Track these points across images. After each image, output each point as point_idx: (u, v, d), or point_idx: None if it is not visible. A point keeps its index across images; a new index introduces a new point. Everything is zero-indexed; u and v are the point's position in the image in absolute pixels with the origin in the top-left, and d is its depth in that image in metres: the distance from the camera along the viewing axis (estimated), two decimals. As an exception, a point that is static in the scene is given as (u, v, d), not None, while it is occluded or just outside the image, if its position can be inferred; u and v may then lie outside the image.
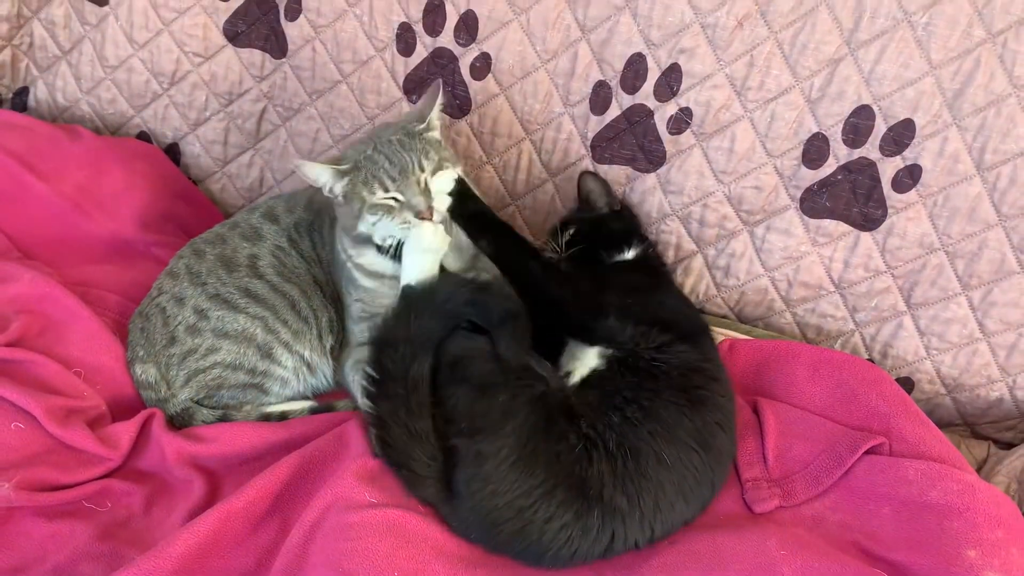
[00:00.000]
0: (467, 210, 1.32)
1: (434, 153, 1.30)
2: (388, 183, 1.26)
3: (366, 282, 1.37)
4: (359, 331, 1.40)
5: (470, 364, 1.15)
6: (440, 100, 1.34)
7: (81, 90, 1.81)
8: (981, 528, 1.11)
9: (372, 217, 1.27)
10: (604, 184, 1.54)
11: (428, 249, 1.26)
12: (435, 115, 1.34)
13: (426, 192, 1.26)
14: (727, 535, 1.14)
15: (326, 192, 1.31)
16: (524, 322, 1.18)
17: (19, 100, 1.85)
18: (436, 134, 1.35)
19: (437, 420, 1.13)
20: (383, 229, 1.28)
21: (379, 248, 1.32)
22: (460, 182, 1.33)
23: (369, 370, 1.17)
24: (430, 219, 1.26)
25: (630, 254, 1.45)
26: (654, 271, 1.46)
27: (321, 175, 1.29)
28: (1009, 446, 1.50)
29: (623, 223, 1.51)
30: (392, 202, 1.27)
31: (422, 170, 1.27)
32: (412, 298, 1.20)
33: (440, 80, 1.37)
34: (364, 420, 1.20)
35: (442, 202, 1.30)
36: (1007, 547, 1.10)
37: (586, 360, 1.24)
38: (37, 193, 1.59)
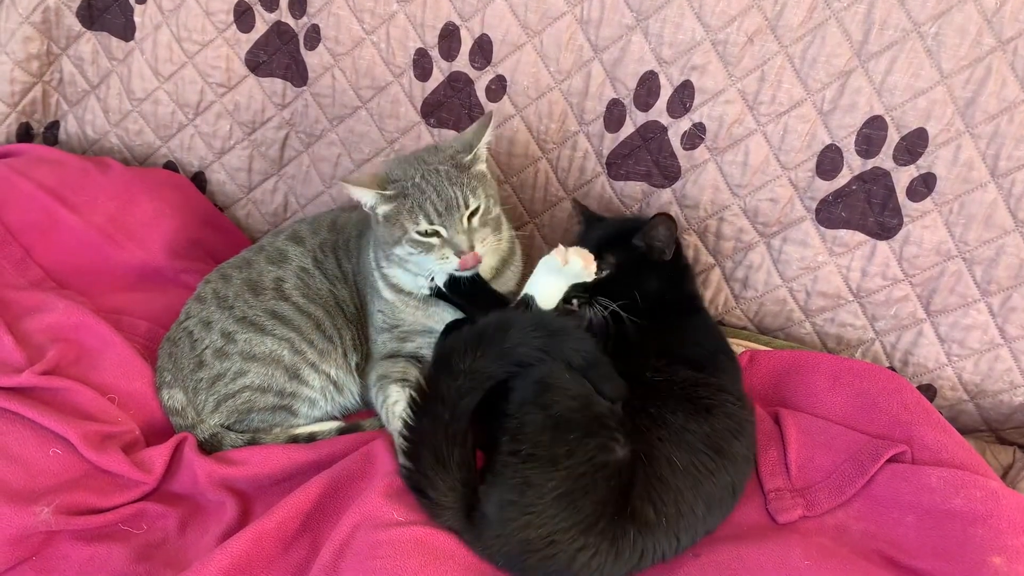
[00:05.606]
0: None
1: (481, 190, 1.27)
2: (433, 216, 1.24)
3: (388, 294, 1.39)
4: (382, 342, 1.42)
5: (558, 396, 1.13)
6: (490, 133, 1.31)
7: (109, 123, 1.86)
8: (1005, 534, 1.12)
9: (412, 249, 1.27)
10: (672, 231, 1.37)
11: (564, 273, 1.24)
12: (483, 147, 1.31)
13: (470, 231, 1.25)
14: (751, 546, 1.15)
15: (366, 209, 1.31)
16: (607, 366, 1.18)
17: (50, 134, 1.90)
18: (483, 167, 1.32)
19: (485, 436, 1.15)
20: (420, 263, 1.29)
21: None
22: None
23: (422, 381, 1.15)
24: (473, 260, 1.25)
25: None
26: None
27: (365, 197, 1.29)
28: (1034, 451, 1.50)
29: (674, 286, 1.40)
30: (434, 239, 1.26)
31: (467, 207, 1.25)
32: (486, 329, 1.15)
33: (492, 111, 1.31)
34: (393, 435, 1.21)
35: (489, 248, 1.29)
36: (1032, 553, 1.10)
37: None
38: (70, 225, 1.63)
